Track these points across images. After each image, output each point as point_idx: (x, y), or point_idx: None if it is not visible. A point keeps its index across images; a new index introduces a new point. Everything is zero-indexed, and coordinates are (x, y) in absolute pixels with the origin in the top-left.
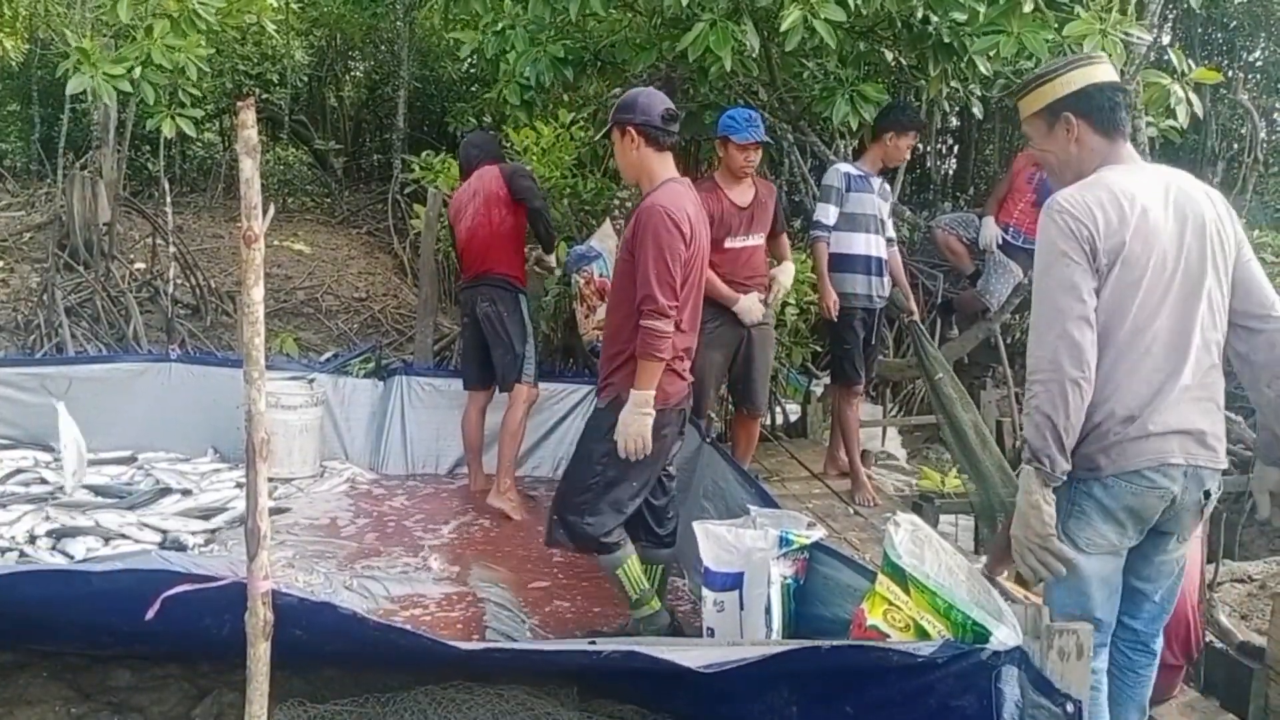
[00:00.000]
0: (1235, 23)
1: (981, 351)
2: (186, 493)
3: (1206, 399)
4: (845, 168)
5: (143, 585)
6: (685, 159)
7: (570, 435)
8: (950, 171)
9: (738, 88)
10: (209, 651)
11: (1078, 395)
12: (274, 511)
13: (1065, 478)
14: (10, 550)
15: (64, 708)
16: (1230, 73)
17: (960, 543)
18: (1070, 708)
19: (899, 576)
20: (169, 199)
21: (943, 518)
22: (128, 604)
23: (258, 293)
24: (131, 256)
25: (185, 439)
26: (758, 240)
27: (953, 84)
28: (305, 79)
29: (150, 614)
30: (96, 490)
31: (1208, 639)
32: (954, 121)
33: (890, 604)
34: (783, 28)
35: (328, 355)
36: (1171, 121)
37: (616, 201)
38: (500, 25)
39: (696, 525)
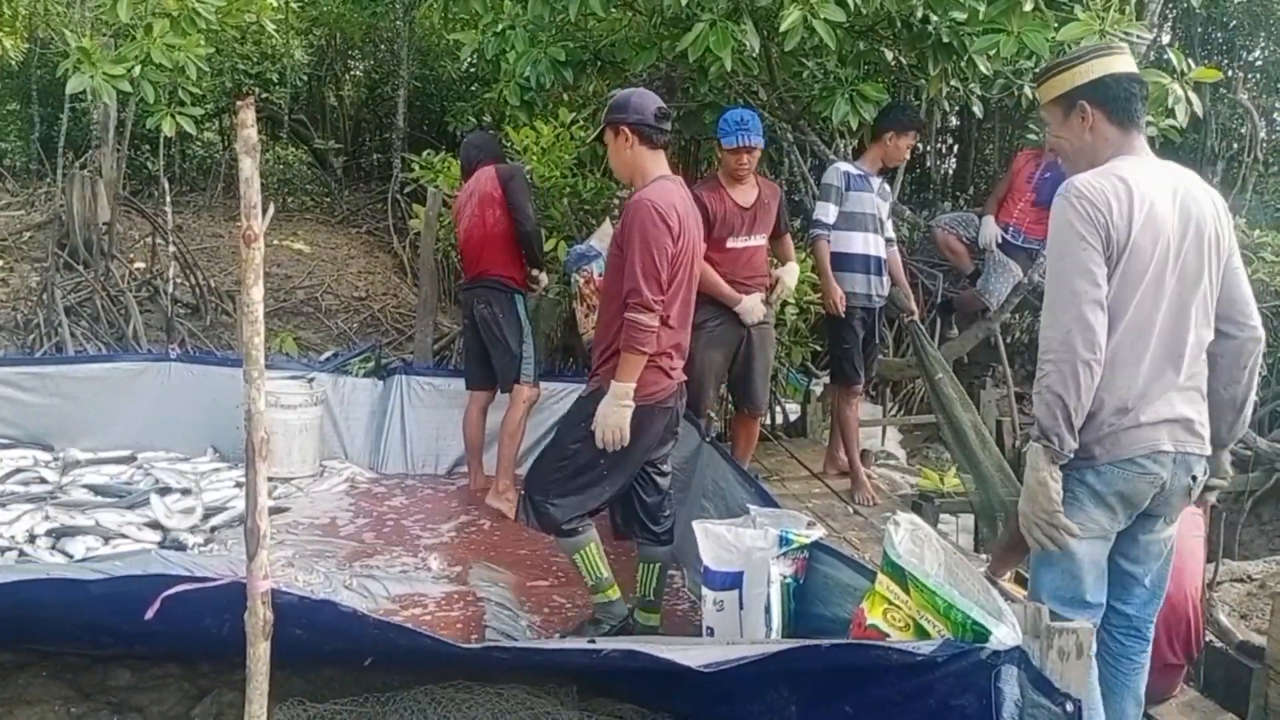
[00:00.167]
0: (1235, 22)
1: (981, 351)
2: (186, 492)
3: (1193, 389)
4: (845, 167)
5: (141, 589)
6: (685, 159)
7: None
8: (950, 171)
9: (737, 87)
10: (209, 651)
11: (1089, 376)
12: (273, 511)
13: (1072, 455)
14: (10, 550)
15: (64, 707)
16: (1230, 72)
17: (960, 542)
18: (1070, 707)
19: (899, 576)
20: (169, 198)
21: (943, 517)
22: (127, 606)
23: (257, 292)
24: (131, 256)
25: (185, 438)
26: (760, 240)
27: (953, 83)
28: (305, 78)
29: (150, 614)
30: (96, 490)
31: (1208, 638)
32: (954, 121)
33: (890, 603)
34: (782, 28)
35: (327, 355)
36: (1171, 121)
37: (616, 201)
38: (500, 26)
39: (696, 525)
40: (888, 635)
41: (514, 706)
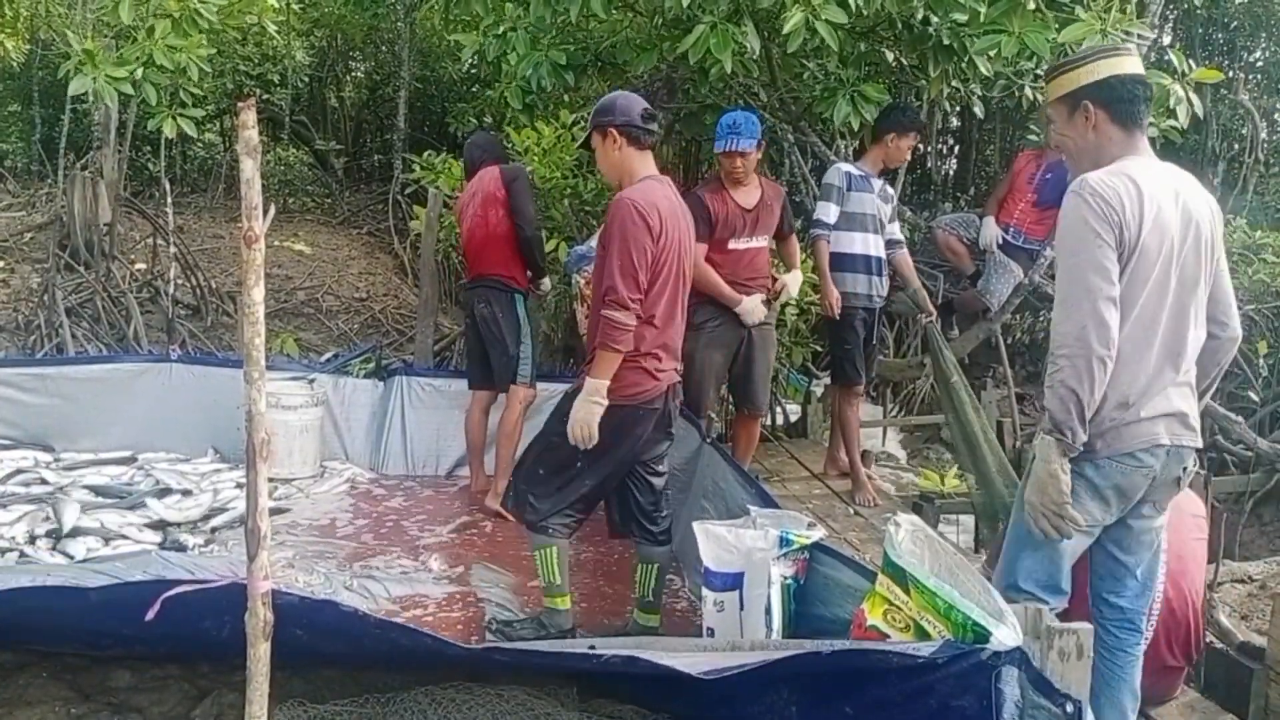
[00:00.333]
0: (1235, 23)
1: (982, 351)
2: (187, 493)
3: (1186, 385)
4: (846, 167)
5: (141, 593)
6: (686, 159)
7: None
8: (951, 172)
9: (738, 89)
10: (209, 653)
11: (1102, 372)
12: (274, 512)
13: (1083, 449)
14: (10, 550)
15: (64, 708)
16: (1231, 73)
17: (960, 542)
18: (1070, 708)
19: (899, 576)
20: (170, 199)
21: (943, 518)
22: (127, 610)
23: (258, 293)
24: (132, 257)
25: (185, 439)
26: (762, 242)
27: (953, 84)
28: (306, 79)
29: (151, 614)
30: (96, 490)
31: (1208, 639)
32: (954, 122)
33: (890, 604)
34: (785, 30)
35: (328, 355)
36: (1172, 121)
37: None
38: (501, 28)
39: (696, 525)
40: (888, 636)
41: (514, 708)
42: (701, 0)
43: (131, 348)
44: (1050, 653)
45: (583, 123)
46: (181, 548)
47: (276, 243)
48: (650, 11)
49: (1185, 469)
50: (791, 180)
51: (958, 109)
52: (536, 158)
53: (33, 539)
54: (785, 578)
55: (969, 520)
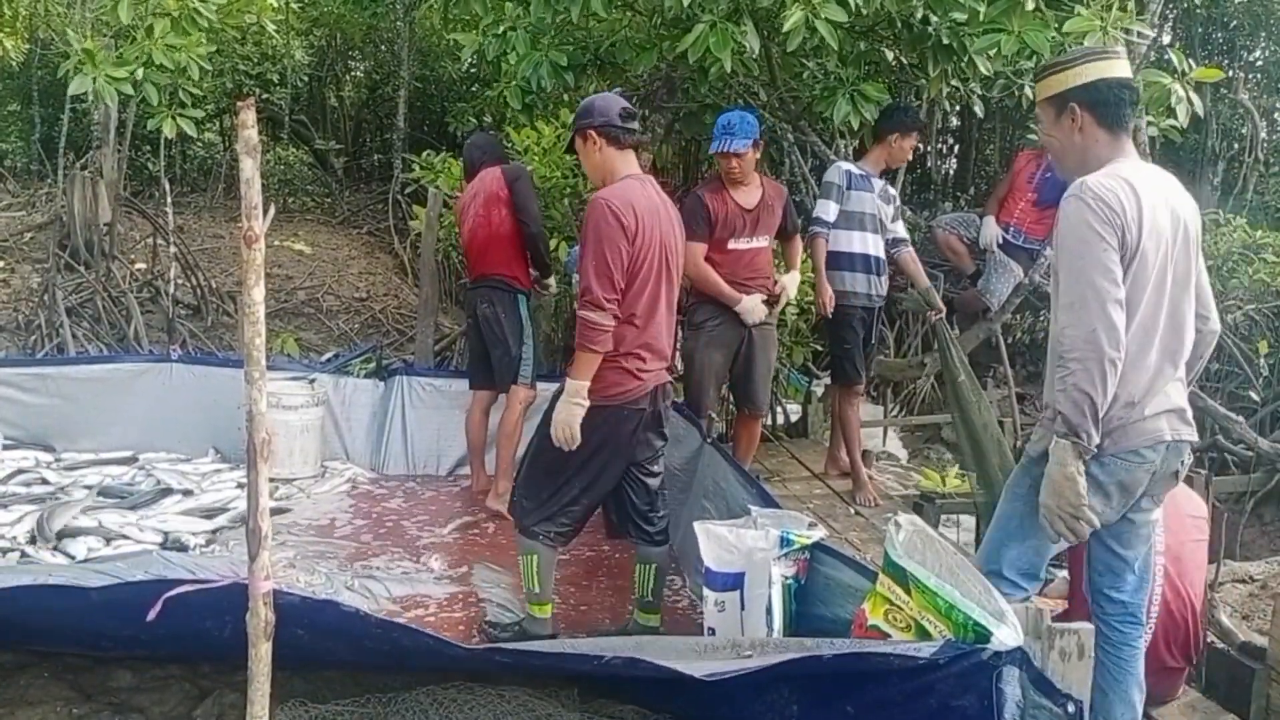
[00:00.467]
0: (1235, 22)
1: (982, 351)
2: (187, 493)
3: (1180, 380)
4: (847, 166)
5: (143, 593)
6: (685, 159)
7: None
8: (951, 171)
9: (738, 88)
10: (210, 653)
11: (1114, 374)
12: (275, 512)
13: (1097, 450)
14: (11, 550)
15: (65, 708)
16: (1231, 72)
17: (961, 542)
18: (1071, 708)
19: (900, 576)
20: (169, 199)
21: (943, 518)
22: (128, 610)
23: (258, 293)
24: (132, 257)
25: (186, 439)
26: (762, 242)
27: (953, 83)
28: (305, 79)
29: (152, 614)
30: (97, 490)
31: (1209, 639)
32: (954, 121)
33: (891, 604)
34: (785, 28)
35: (328, 355)
36: (1172, 121)
37: None
38: (501, 28)
39: (697, 525)
40: (889, 636)
41: (515, 708)
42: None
43: (132, 348)
44: (1051, 653)
45: None
46: (183, 547)
47: (276, 242)
48: (650, 11)
49: (1183, 462)
50: (791, 180)
51: (957, 108)
52: (536, 157)
53: (34, 539)
54: (786, 577)
55: (969, 520)
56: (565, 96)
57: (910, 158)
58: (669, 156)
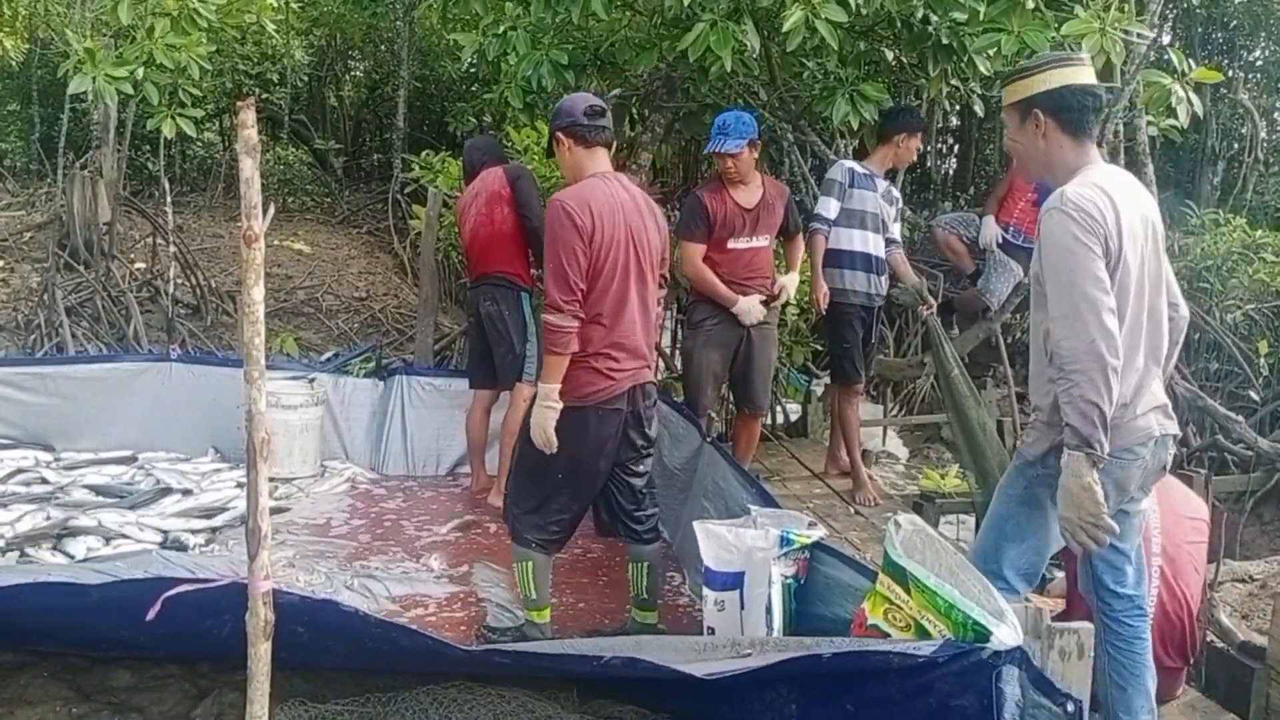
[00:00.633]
0: (1235, 22)
1: (982, 351)
2: (187, 492)
3: (1160, 374)
4: (851, 164)
5: (142, 593)
6: (685, 159)
7: None
8: (950, 171)
9: (738, 88)
10: (210, 652)
11: (1116, 380)
12: (274, 511)
13: (1109, 457)
14: (11, 550)
15: (64, 708)
16: (1230, 72)
17: (960, 540)
18: (1071, 707)
19: (900, 576)
20: (169, 199)
21: (943, 518)
22: (128, 610)
23: (258, 292)
24: (132, 256)
25: (186, 439)
26: (762, 242)
27: (953, 83)
28: (305, 79)
29: (152, 614)
30: (97, 490)
31: (1209, 639)
32: (954, 121)
33: (891, 603)
34: (785, 28)
35: (328, 355)
36: (1172, 121)
37: None
38: (501, 28)
39: (697, 525)
40: (889, 635)
41: (515, 709)
42: None
43: (131, 347)
44: (1051, 652)
45: None
46: (182, 547)
47: (276, 242)
48: (650, 11)
49: (1170, 455)
50: (791, 179)
51: (957, 108)
52: (536, 157)
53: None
54: (786, 577)
55: (969, 520)
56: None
57: (914, 158)
58: (669, 156)
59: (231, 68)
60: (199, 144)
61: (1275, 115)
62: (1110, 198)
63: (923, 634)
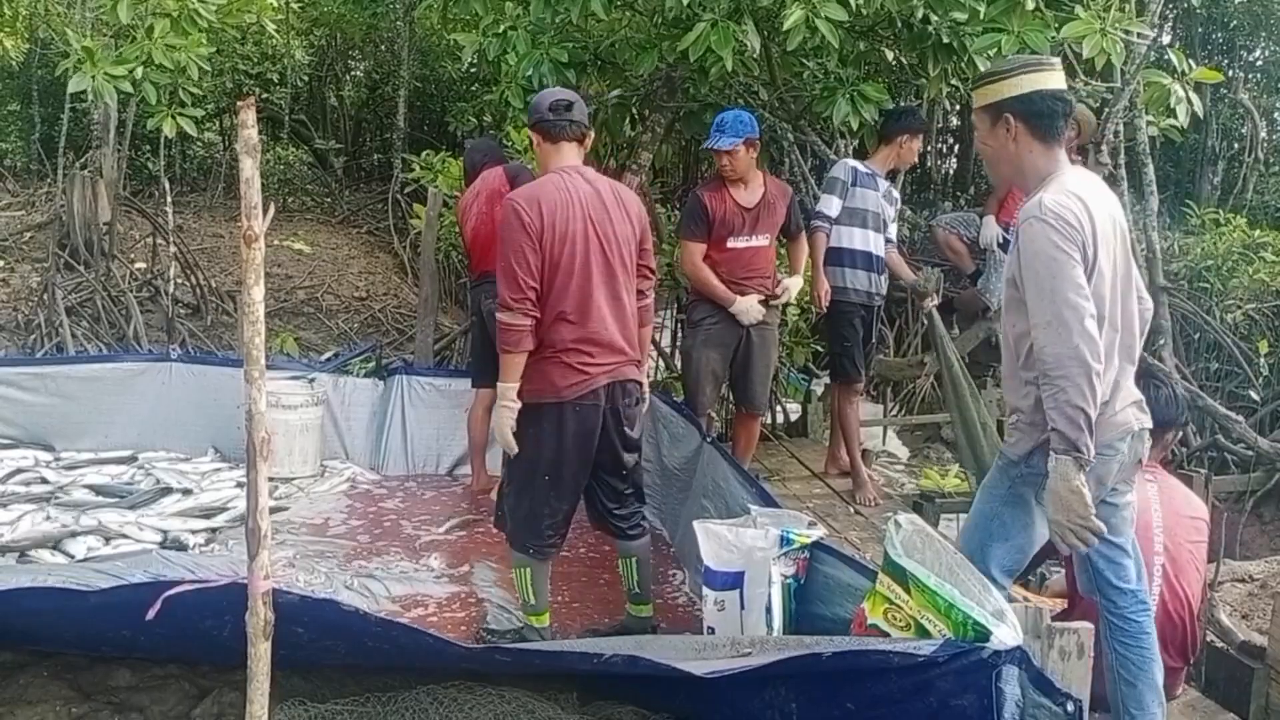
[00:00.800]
0: (1235, 22)
1: (982, 350)
2: (187, 492)
3: (1133, 369)
4: (853, 163)
5: (142, 597)
6: (685, 158)
7: None
8: (951, 171)
9: (738, 87)
10: (210, 652)
11: (1099, 384)
12: (274, 511)
13: (1094, 459)
14: (11, 550)
15: (64, 708)
16: (1230, 72)
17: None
18: (1070, 707)
19: (900, 575)
20: (169, 198)
21: (943, 517)
22: (128, 610)
23: (258, 292)
24: (132, 256)
25: (185, 439)
26: (762, 241)
27: (953, 83)
28: (305, 79)
29: (151, 614)
30: (97, 490)
31: (1209, 639)
32: (954, 121)
33: (891, 603)
34: (785, 27)
35: (328, 355)
36: (1172, 121)
37: None
38: (501, 27)
39: (697, 524)
40: (889, 635)
41: (515, 709)
42: None
43: (131, 347)
44: (1051, 652)
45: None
46: (182, 547)
47: (276, 242)
48: (650, 10)
49: (1146, 446)
50: (791, 180)
51: (957, 108)
52: (536, 157)
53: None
54: (786, 577)
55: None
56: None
57: (915, 159)
58: (669, 156)
59: (232, 68)
60: (199, 144)
61: (1275, 115)
62: (1085, 204)
63: (923, 633)
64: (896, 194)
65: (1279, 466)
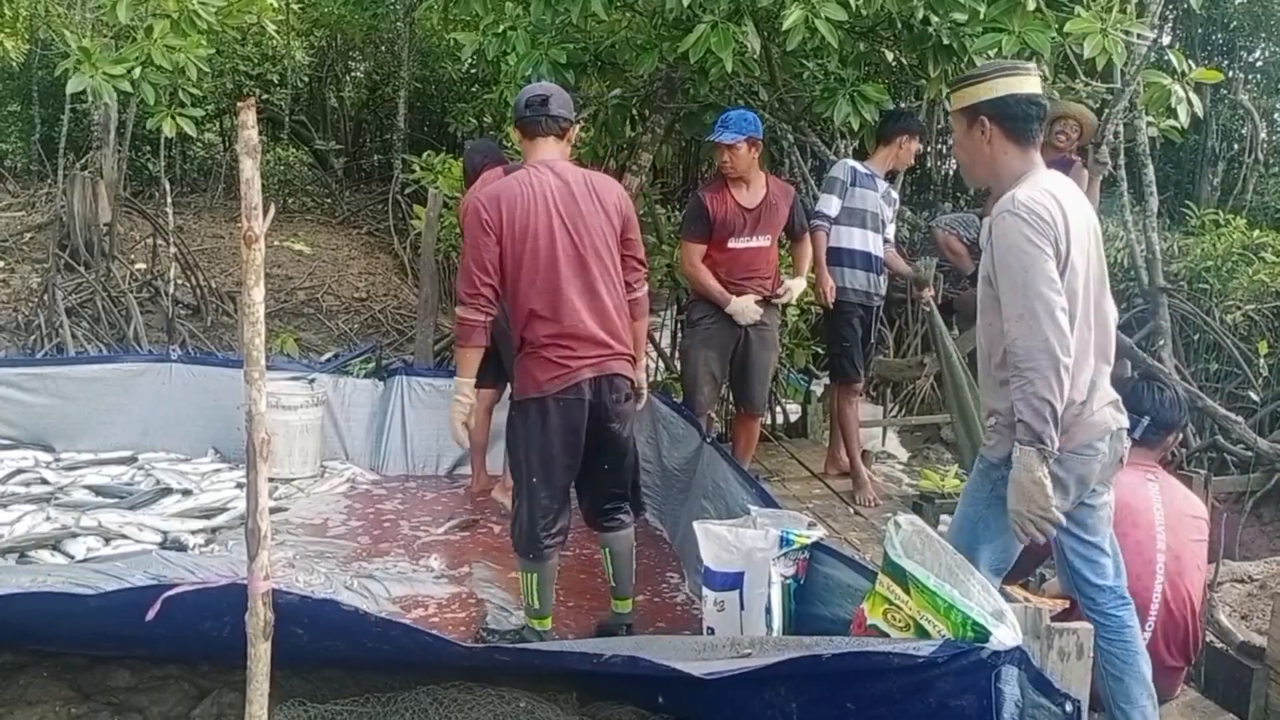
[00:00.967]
0: (1235, 23)
1: None
2: (187, 493)
3: (1109, 371)
4: (852, 163)
5: (142, 598)
6: (685, 159)
7: None
8: (950, 171)
9: (738, 88)
10: (210, 653)
11: (1067, 377)
12: (274, 511)
13: (1072, 454)
14: (11, 551)
15: (64, 708)
16: (1230, 73)
17: None
18: (1070, 707)
19: (899, 576)
20: (169, 199)
21: (942, 518)
22: (128, 611)
23: (258, 293)
24: (132, 257)
25: (185, 439)
26: (763, 242)
27: None
28: (306, 79)
29: (151, 614)
30: (97, 490)
31: (1208, 639)
32: None
33: (890, 603)
34: (784, 26)
35: (328, 355)
36: (1172, 121)
37: None
38: (501, 27)
39: (697, 525)
40: (888, 635)
41: (515, 710)
42: (702, 0)
43: (131, 348)
44: (1050, 652)
45: (582, 122)
46: (182, 548)
47: (276, 243)
48: (650, 11)
49: (1126, 447)
50: (791, 180)
51: None
52: None
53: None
54: (785, 577)
55: None
56: None
57: (913, 161)
58: (669, 157)
59: (232, 68)
60: (199, 145)
61: (1275, 116)
62: (1059, 202)
63: (922, 634)
64: (895, 195)
65: (1278, 467)
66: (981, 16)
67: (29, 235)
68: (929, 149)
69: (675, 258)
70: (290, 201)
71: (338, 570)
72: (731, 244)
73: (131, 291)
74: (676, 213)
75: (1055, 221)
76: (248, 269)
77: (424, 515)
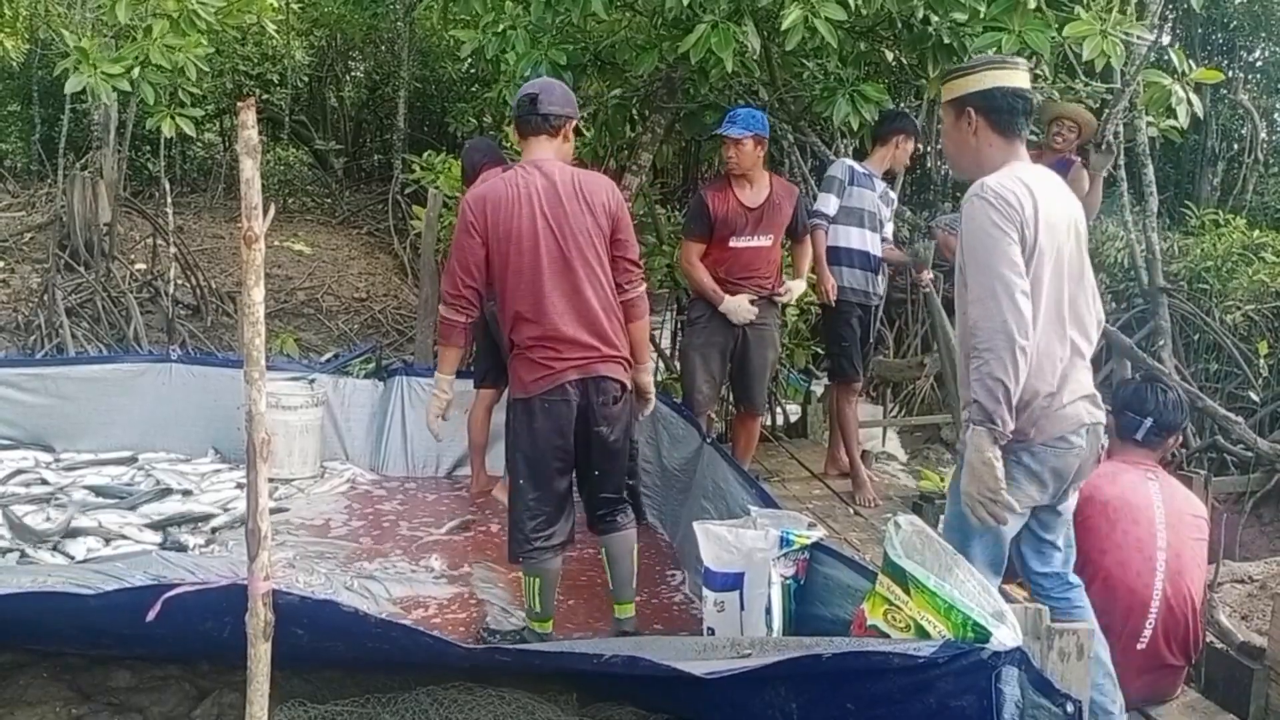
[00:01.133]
0: (1235, 23)
1: None
2: (187, 493)
3: (1088, 367)
4: (850, 162)
5: (142, 599)
6: (685, 159)
7: None
8: (950, 172)
9: (738, 88)
10: (210, 653)
11: (1024, 360)
12: (274, 512)
13: (1018, 437)
14: (11, 551)
15: (64, 708)
16: (1230, 73)
17: None
18: (1070, 708)
19: (899, 576)
20: (169, 199)
21: (942, 518)
22: (128, 612)
23: (258, 293)
24: (132, 257)
25: (186, 439)
26: (765, 241)
27: None
28: (305, 79)
29: (151, 615)
30: (97, 490)
31: (1208, 639)
32: None
33: (890, 604)
34: (784, 26)
35: (328, 356)
36: (1172, 121)
37: None
38: (501, 26)
39: (697, 525)
40: (888, 636)
41: (515, 711)
42: (702, 0)
43: (131, 348)
44: (1050, 653)
45: (582, 122)
46: (182, 548)
47: (276, 243)
48: (650, 11)
49: (1102, 444)
50: (791, 180)
51: None
52: None
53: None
54: (785, 578)
55: None
56: None
57: (909, 162)
58: (669, 157)
59: (232, 68)
60: (199, 144)
61: (1275, 116)
62: (1030, 189)
63: (922, 634)
64: (893, 195)
65: (1278, 467)
66: (981, 16)
67: (29, 235)
68: (929, 149)
69: (675, 258)
70: (290, 201)
71: (338, 571)
72: (732, 243)
73: (131, 292)
74: (676, 213)
75: (1022, 207)
76: (248, 269)
77: (424, 516)
